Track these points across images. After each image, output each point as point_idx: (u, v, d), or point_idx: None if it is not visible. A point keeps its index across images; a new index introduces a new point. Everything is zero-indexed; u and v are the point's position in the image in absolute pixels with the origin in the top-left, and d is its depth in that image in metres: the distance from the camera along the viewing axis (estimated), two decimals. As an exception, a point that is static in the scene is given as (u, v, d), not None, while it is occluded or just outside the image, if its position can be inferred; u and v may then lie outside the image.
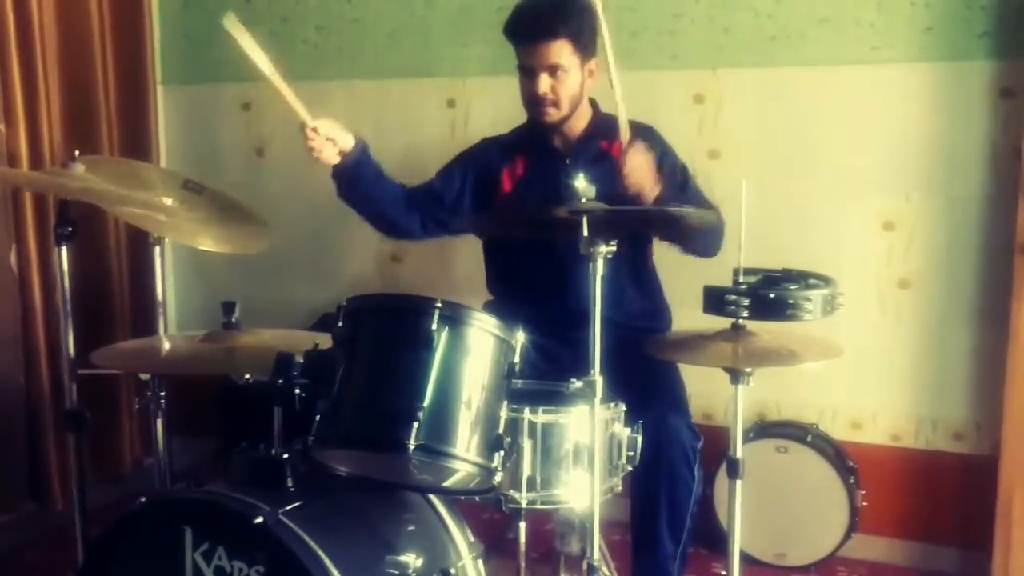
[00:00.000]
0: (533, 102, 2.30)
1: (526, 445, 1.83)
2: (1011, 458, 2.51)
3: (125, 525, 1.71)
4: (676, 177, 2.34)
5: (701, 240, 2.27)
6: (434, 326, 1.65)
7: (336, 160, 2.24)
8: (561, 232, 1.89)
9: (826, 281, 1.94)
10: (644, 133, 2.37)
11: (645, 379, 2.17)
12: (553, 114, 2.30)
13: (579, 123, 2.38)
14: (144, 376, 2.11)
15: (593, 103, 2.42)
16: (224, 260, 3.03)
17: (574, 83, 2.28)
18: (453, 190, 2.45)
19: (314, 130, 2.16)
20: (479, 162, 2.47)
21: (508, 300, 2.44)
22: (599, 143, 2.36)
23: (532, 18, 2.25)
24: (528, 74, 2.28)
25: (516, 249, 2.40)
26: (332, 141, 2.20)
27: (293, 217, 3.35)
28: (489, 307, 2.45)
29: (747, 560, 2.63)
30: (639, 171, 2.13)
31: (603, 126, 2.37)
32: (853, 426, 2.84)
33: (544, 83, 2.25)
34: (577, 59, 2.26)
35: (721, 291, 1.87)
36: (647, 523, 2.17)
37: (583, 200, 1.77)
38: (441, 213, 2.44)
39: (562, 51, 2.23)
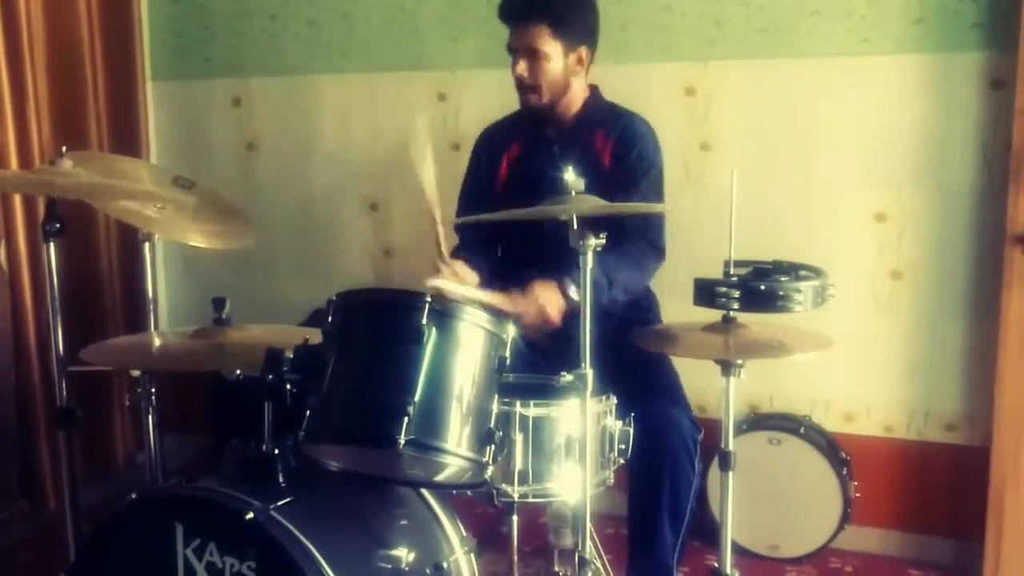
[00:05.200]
0: (516, 84, 2.32)
1: (518, 439, 1.83)
2: (1003, 449, 2.52)
3: (116, 522, 1.70)
4: (635, 175, 2.29)
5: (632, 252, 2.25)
6: (424, 321, 1.65)
7: None
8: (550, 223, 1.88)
9: (816, 273, 1.94)
10: (634, 128, 2.35)
11: (643, 372, 2.16)
12: (533, 99, 2.31)
13: (571, 109, 2.37)
14: (135, 373, 2.10)
15: (594, 89, 2.41)
16: (215, 256, 3.02)
17: (554, 70, 2.27)
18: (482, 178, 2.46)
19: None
20: (485, 149, 2.50)
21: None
22: (586, 134, 2.34)
23: (513, 1, 2.28)
24: (512, 55, 2.30)
25: (512, 235, 2.41)
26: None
27: (284, 213, 3.34)
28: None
29: (740, 552, 2.63)
30: (531, 312, 2.07)
31: (596, 114, 2.35)
32: (846, 418, 2.85)
33: (521, 65, 2.28)
34: (559, 46, 2.26)
35: (711, 283, 1.87)
36: (648, 514, 2.15)
37: (573, 193, 1.77)
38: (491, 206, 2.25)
39: (539, 36, 2.24)
